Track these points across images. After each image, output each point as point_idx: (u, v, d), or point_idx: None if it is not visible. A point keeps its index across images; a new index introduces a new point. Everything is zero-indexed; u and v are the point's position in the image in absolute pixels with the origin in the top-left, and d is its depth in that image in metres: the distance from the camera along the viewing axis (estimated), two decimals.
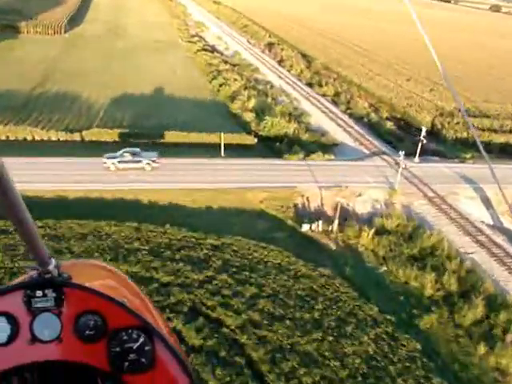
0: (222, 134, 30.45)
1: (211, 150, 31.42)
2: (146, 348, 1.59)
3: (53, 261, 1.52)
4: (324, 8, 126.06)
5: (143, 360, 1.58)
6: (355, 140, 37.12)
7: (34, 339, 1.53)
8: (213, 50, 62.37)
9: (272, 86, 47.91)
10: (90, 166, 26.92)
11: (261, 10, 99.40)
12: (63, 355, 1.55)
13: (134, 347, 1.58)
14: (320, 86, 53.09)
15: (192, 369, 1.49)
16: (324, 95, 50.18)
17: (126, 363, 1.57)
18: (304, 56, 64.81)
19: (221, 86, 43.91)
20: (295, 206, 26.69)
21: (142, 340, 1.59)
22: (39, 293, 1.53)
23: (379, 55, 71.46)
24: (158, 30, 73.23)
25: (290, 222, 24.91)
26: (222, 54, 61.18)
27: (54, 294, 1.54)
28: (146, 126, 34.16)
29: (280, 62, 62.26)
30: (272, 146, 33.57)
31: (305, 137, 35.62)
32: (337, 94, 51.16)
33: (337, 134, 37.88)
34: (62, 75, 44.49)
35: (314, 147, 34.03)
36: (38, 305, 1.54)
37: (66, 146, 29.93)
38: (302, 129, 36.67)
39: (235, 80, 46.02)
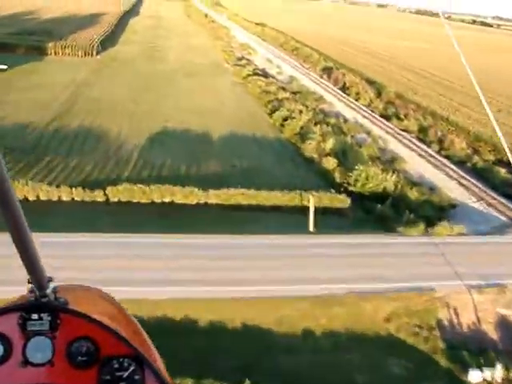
0: (311, 195, 20.60)
1: (287, 216, 21.72)
2: (136, 377, 1.59)
3: (51, 285, 1.48)
4: (370, 31, 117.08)
5: None
6: (477, 198, 26.78)
7: (26, 362, 1.52)
8: (264, 74, 53.47)
9: (345, 120, 38.20)
10: (119, 250, 17.32)
11: (307, 32, 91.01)
12: (54, 380, 1.54)
13: (125, 376, 1.57)
14: (399, 118, 43.14)
15: None
16: (406, 131, 40.21)
17: None
18: (370, 82, 55.18)
19: (285, 119, 34.45)
20: (439, 324, 16.44)
21: (132, 369, 1.59)
22: (35, 316, 1.51)
23: (452, 82, 61.15)
24: (200, 53, 65.16)
25: (442, 363, 14.61)
26: (275, 79, 52.14)
27: (49, 318, 1.52)
28: (192, 178, 24.82)
29: (343, 89, 52.79)
30: (371, 209, 23.58)
31: (411, 194, 25.51)
32: (422, 130, 41.07)
33: (449, 188, 27.62)
34: (88, 105, 36.05)
35: (428, 210, 23.88)
36: (33, 328, 1.52)
37: (82, 210, 20.71)
38: (403, 182, 26.59)
39: (300, 112, 36.55)
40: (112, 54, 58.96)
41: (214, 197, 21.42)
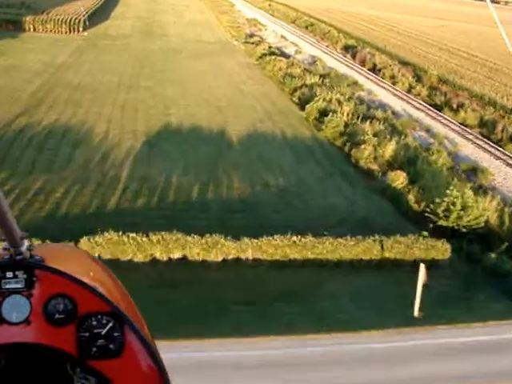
0: (422, 265, 12.37)
1: (364, 277, 14.02)
2: (115, 334, 1.55)
3: (25, 242, 1.46)
4: (387, 7, 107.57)
5: (111, 346, 1.54)
6: None
7: (2, 321, 1.48)
8: (281, 54, 45.01)
9: (393, 112, 30.11)
10: None
11: (318, 8, 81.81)
12: (31, 338, 1.50)
13: (103, 333, 1.53)
14: (452, 109, 35.14)
15: (161, 358, 1.47)
16: (464, 124, 32.34)
17: (94, 349, 1.52)
18: (403, 64, 46.86)
19: (323, 113, 26.36)
20: None
21: (110, 325, 1.54)
22: (9, 274, 1.48)
23: (497, 63, 52.77)
24: (204, 29, 56.47)
25: None
26: (294, 59, 43.68)
27: (24, 276, 1.49)
28: (212, 208, 16.95)
29: (373, 70, 44.46)
30: (476, 257, 15.82)
31: None
32: (483, 124, 33.18)
33: None
34: (67, 94, 27.93)
35: None
36: (8, 286, 1.49)
37: None
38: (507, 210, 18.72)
39: (339, 103, 28.44)
40: (102, 30, 50.32)
41: (251, 248, 13.58)
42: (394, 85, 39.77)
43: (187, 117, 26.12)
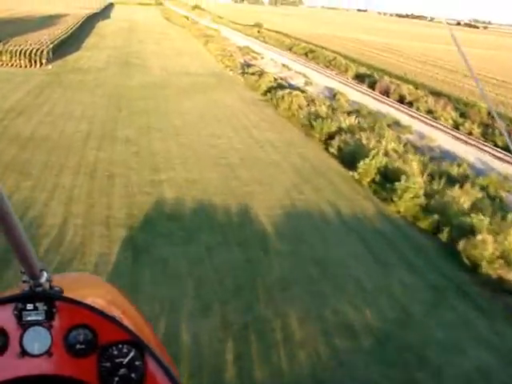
0: None
1: None
2: (137, 363, 1.55)
3: (44, 273, 1.46)
4: (383, 33, 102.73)
5: (133, 375, 1.53)
6: None
7: (24, 353, 1.45)
8: (289, 86, 37.06)
9: (468, 165, 21.96)
10: None
11: (310, 34, 75.16)
12: (53, 370, 1.47)
13: (124, 362, 1.52)
14: None
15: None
16: None
17: (116, 378, 1.50)
18: (436, 94, 39.42)
19: (384, 175, 18.00)
20: None
21: (132, 355, 1.53)
22: (30, 306, 1.48)
23: None
24: (192, 58, 48.42)
25: None
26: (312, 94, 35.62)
27: (45, 308, 1.49)
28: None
29: (401, 103, 36.83)
30: None
31: None
32: None
33: None
34: (8, 155, 18.93)
35: None
36: (29, 318, 1.48)
37: None
38: None
39: (399, 156, 20.16)
40: (70, 63, 41.77)
41: None
42: (436, 120, 32.04)
43: (188, 186, 17.45)
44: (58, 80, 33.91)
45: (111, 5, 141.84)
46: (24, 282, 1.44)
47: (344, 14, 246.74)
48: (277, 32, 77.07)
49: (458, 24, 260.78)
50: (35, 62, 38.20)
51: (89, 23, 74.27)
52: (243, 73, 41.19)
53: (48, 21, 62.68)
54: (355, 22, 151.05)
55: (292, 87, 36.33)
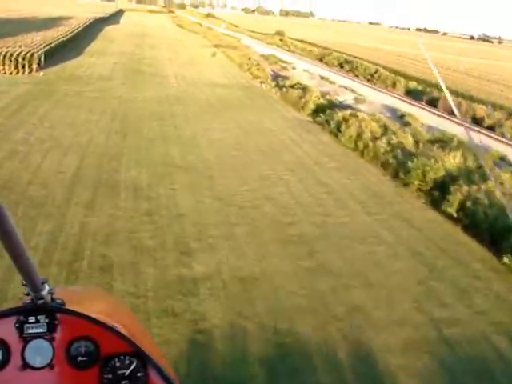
0: None
1: None
2: (139, 374, 1.53)
3: (46, 286, 1.42)
4: (405, 44, 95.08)
5: None
6: None
7: (26, 366, 1.44)
8: (339, 103, 29.31)
9: None
10: None
11: (337, 44, 67.66)
12: (55, 382, 1.47)
13: (127, 374, 1.51)
14: None
15: None
16: None
17: None
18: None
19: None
20: None
21: (134, 366, 1.52)
22: (32, 319, 1.45)
23: None
24: (212, 67, 40.82)
25: None
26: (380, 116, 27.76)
27: (46, 320, 1.45)
28: None
29: (479, 123, 29.01)
30: None
31: None
32: None
33: None
34: None
35: None
36: (30, 331, 1.45)
37: None
38: None
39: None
40: (68, 70, 34.24)
41: None
42: None
43: (246, 287, 9.68)
44: (49, 91, 26.28)
45: (121, 11, 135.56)
46: (26, 294, 1.38)
47: (357, 26, 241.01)
48: (301, 41, 69.71)
49: (472, 38, 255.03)
50: (23, 67, 30.63)
51: (95, 27, 67.22)
52: (278, 86, 33.51)
53: (49, 23, 55.49)
54: (374, 34, 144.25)
55: (344, 106, 28.52)
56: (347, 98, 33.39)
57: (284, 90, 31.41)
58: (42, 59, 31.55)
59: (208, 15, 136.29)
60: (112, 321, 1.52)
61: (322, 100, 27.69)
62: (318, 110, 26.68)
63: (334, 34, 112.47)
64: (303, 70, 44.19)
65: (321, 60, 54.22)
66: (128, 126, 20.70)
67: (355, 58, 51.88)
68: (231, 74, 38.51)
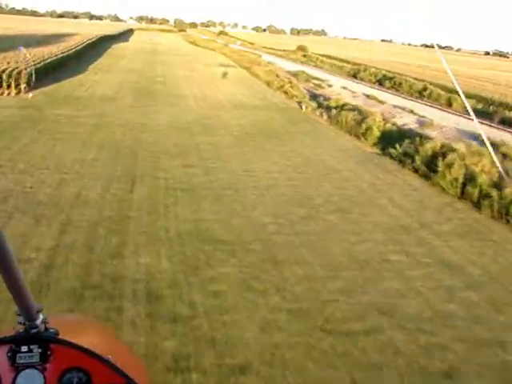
0: None
1: None
2: None
3: (40, 315, 1.40)
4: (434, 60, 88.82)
5: None
6: None
7: None
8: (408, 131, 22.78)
9: None
10: None
11: (367, 59, 61.55)
12: None
13: None
14: None
15: None
16: None
17: None
18: None
19: None
20: None
21: None
22: (24, 348, 1.41)
23: None
24: (237, 86, 34.64)
25: None
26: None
27: (39, 350, 1.42)
28: None
29: None
30: None
31: None
32: None
33: None
34: None
35: None
36: (23, 360, 1.42)
37: None
38: None
39: None
40: (66, 90, 28.21)
41: None
42: None
43: None
44: (35, 117, 20.08)
45: (130, 30, 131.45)
46: (19, 323, 1.35)
47: (372, 44, 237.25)
48: (328, 56, 63.76)
49: (487, 54, 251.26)
50: (9, 87, 24.55)
51: (103, 44, 61.93)
52: (321, 107, 27.16)
53: (50, 39, 50.05)
54: (395, 50, 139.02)
55: (413, 133, 21.98)
56: (408, 120, 26.86)
57: (332, 111, 24.96)
58: (33, 78, 25.46)
59: (221, 33, 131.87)
60: (105, 351, 1.43)
61: (389, 125, 21.14)
62: (386, 138, 20.22)
63: (356, 50, 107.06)
64: (341, 88, 37.88)
65: (354, 76, 47.98)
66: (136, 169, 14.27)
67: (397, 74, 45.53)
68: (261, 93, 32.30)
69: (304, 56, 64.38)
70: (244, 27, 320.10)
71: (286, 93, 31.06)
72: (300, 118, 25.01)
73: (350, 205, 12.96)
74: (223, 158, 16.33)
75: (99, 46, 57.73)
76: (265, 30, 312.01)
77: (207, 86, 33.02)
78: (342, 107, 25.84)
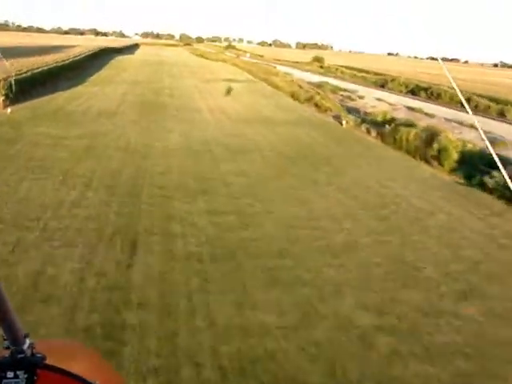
0: None
1: None
2: None
3: (27, 340, 1.40)
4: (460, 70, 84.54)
5: None
6: None
7: None
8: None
9: None
10: None
11: (380, 69, 56.90)
12: None
13: None
14: None
15: None
16: None
17: None
18: None
19: None
20: None
21: None
22: (10, 374, 1.40)
23: None
24: (257, 97, 29.86)
25: None
26: None
27: (25, 376, 1.41)
28: None
29: None
30: None
31: None
32: None
33: None
34: None
35: None
36: None
37: None
38: None
39: None
40: (55, 103, 23.46)
41: None
42: None
43: None
44: (8, 138, 15.26)
45: (136, 45, 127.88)
46: (5, 348, 1.31)
47: (380, 57, 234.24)
48: (346, 67, 59.16)
49: (495, 66, 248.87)
50: None
51: (106, 56, 57.70)
52: (365, 121, 22.23)
53: (47, 49, 45.72)
54: (410, 64, 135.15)
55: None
56: (469, 137, 21.77)
57: (383, 127, 20.01)
58: (13, 89, 20.72)
59: (228, 47, 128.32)
60: (93, 376, 1.41)
61: (470, 145, 16.14)
62: (467, 163, 15.22)
63: (369, 62, 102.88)
64: (374, 99, 33.01)
65: (382, 86, 43.17)
66: (139, 220, 9.29)
67: (433, 84, 40.68)
68: (287, 106, 27.48)
69: (321, 67, 59.74)
70: (249, 42, 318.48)
71: (316, 105, 26.17)
72: (344, 136, 20.07)
73: (486, 284, 7.87)
74: (263, 196, 11.34)
75: (102, 57, 53.48)
76: (270, 45, 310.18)
77: (223, 98, 28.25)
78: (391, 122, 20.90)
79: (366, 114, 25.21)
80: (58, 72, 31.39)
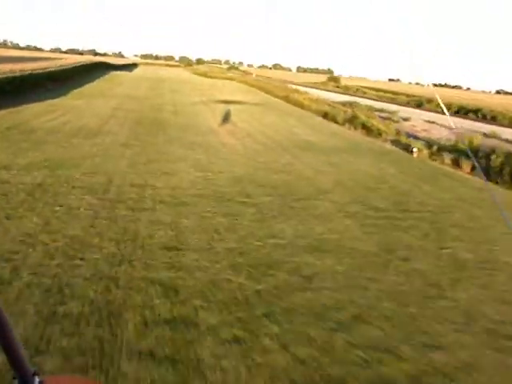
0: None
1: None
2: None
3: (36, 378, 1.41)
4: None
5: None
6: None
7: None
8: None
9: None
10: None
11: (399, 90, 51.39)
12: None
13: None
14: None
15: None
16: None
17: None
18: None
19: None
20: None
21: None
22: None
23: None
24: (284, 117, 23.50)
25: None
26: None
27: None
28: None
29: None
30: None
31: None
32: None
33: None
34: None
35: None
36: None
37: None
38: None
39: None
40: (18, 116, 17.00)
41: None
42: None
43: None
44: None
45: (134, 65, 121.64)
46: None
47: (382, 83, 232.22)
48: (366, 87, 53.52)
49: (498, 93, 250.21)
50: None
51: (99, 71, 51.81)
52: (443, 149, 15.92)
53: (23, 59, 39.64)
54: (410, 87, 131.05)
55: None
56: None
57: (488, 159, 13.70)
58: None
59: (231, 68, 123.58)
60: None
61: None
62: None
63: (374, 85, 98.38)
64: (422, 121, 26.88)
65: (418, 106, 37.29)
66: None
67: (471, 106, 34.83)
68: (325, 128, 21.22)
69: (337, 87, 54.07)
70: (249, 66, 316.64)
71: (366, 128, 19.90)
72: (428, 172, 13.73)
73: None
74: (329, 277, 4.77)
75: (94, 71, 47.51)
76: (270, 69, 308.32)
77: (243, 118, 22.01)
78: (477, 150, 14.64)
79: (419, 138, 18.99)
80: (34, 81, 25.21)
